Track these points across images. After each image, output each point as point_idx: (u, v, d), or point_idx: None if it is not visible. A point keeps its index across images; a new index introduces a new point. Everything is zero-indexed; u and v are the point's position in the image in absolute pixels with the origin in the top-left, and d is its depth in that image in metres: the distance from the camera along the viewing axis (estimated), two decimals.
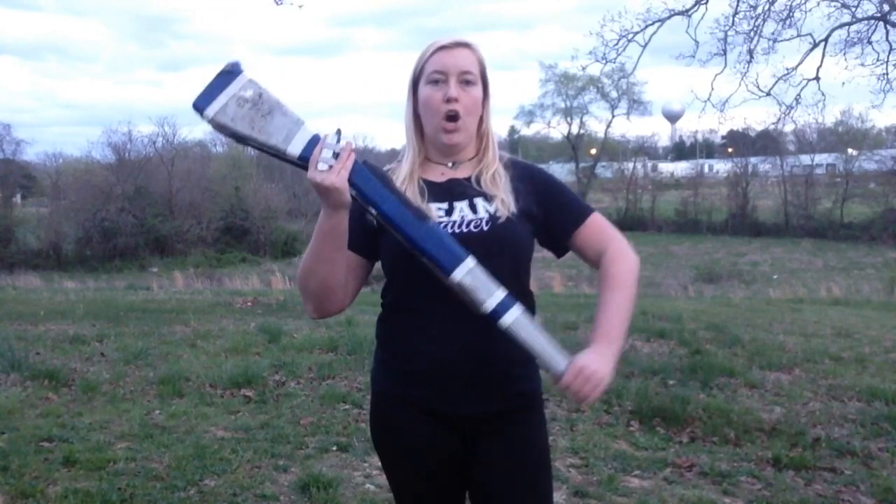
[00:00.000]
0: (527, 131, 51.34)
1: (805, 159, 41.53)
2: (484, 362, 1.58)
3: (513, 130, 53.81)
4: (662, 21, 10.27)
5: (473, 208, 1.61)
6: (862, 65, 10.00)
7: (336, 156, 1.43)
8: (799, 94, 10.50)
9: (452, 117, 1.60)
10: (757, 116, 39.70)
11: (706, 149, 67.06)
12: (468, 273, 1.46)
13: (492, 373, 1.59)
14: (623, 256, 1.65)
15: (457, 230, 1.58)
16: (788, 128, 28.26)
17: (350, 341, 6.34)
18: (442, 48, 1.62)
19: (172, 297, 11.46)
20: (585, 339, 1.59)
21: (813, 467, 3.73)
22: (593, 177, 48.11)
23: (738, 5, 9.82)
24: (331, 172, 1.42)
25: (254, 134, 1.46)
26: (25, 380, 5.08)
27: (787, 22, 9.86)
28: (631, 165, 46.60)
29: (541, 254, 1.77)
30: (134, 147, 38.22)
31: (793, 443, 4.08)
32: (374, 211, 1.48)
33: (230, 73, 1.47)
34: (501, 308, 1.47)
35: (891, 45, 9.73)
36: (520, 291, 1.65)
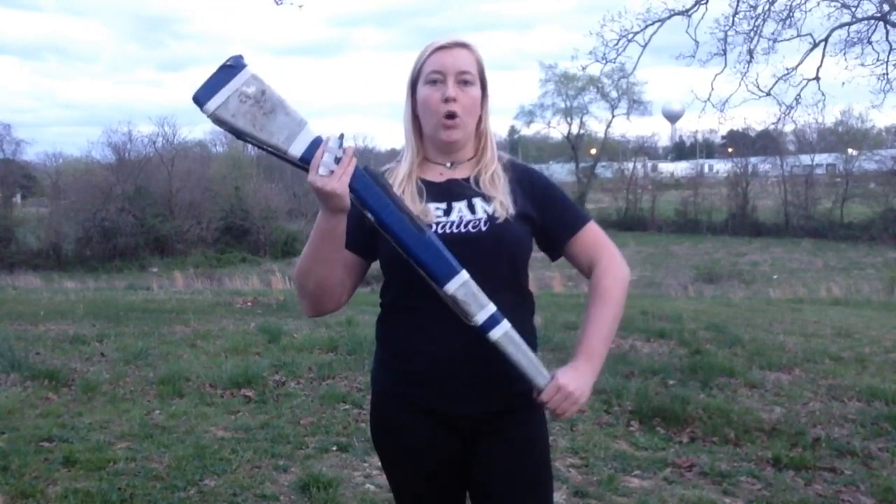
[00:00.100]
0: (527, 131, 51.36)
1: (805, 159, 41.53)
2: (483, 362, 1.58)
3: (513, 130, 53.86)
4: (662, 21, 10.27)
5: (472, 209, 1.61)
6: (862, 65, 10.00)
7: (338, 161, 1.42)
8: (799, 94, 10.50)
9: (451, 116, 1.60)
10: (757, 116, 39.81)
11: (706, 149, 67.07)
12: (462, 286, 1.48)
13: (491, 373, 1.60)
14: (614, 270, 1.66)
15: (455, 230, 1.58)
16: (788, 128, 28.27)
17: (350, 341, 6.35)
18: (440, 48, 1.62)
19: (172, 297, 11.46)
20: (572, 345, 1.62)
21: (813, 467, 3.73)
22: (593, 177, 48.08)
23: (738, 5, 9.82)
24: (332, 178, 1.41)
25: (255, 132, 1.44)
26: (25, 380, 5.08)
27: (787, 22, 9.87)
28: (631, 165, 46.60)
29: (541, 253, 1.77)
30: (134, 147, 38.26)
31: (793, 443, 4.08)
32: (372, 218, 1.48)
33: (233, 68, 1.44)
34: (491, 322, 1.50)
35: (891, 45, 9.73)
36: (518, 292, 1.65)
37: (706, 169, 52.82)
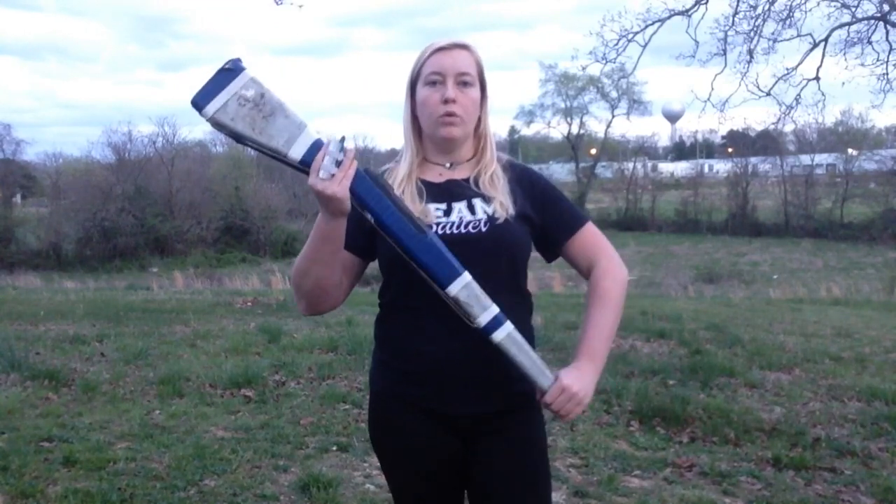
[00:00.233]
0: (527, 131, 51.36)
1: (805, 159, 41.52)
2: (483, 362, 1.58)
3: (513, 130, 53.87)
4: (662, 21, 10.27)
5: (472, 209, 1.62)
6: (862, 65, 10.00)
7: (338, 164, 1.41)
8: (799, 94, 10.51)
9: (450, 116, 1.60)
10: (757, 116, 39.79)
11: (706, 149, 67.07)
12: (464, 288, 1.48)
13: (491, 373, 1.60)
14: (613, 271, 1.67)
15: (455, 231, 1.58)
16: (788, 128, 28.25)
17: (350, 341, 6.35)
18: (439, 49, 1.62)
19: (172, 297, 11.46)
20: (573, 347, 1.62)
21: (813, 467, 3.73)
22: (593, 177, 48.08)
23: (738, 5, 9.83)
24: (332, 181, 1.41)
25: (254, 135, 1.43)
26: (25, 380, 5.09)
27: (787, 22, 9.87)
28: (631, 165, 46.59)
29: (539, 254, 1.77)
30: (134, 147, 38.23)
31: (793, 443, 4.08)
32: (373, 220, 1.48)
33: (231, 71, 1.43)
34: (494, 323, 1.49)
35: (891, 45, 9.73)
36: (517, 292, 1.66)
37: (706, 169, 52.82)
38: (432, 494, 1.70)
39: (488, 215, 1.60)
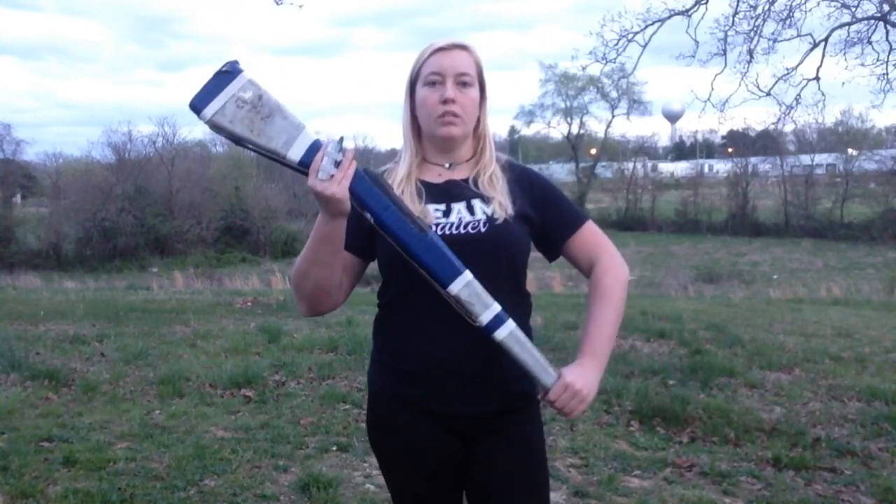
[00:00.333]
0: (527, 131, 51.36)
1: (805, 159, 41.50)
2: (483, 362, 1.58)
3: (513, 130, 53.89)
4: (662, 21, 10.27)
5: (471, 210, 1.62)
6: (862, 65, 10.00)
7: (337, 164, 1.41)
8: (799, 94, 10.50)
9: (449, 116, 1.60)
10: (757, 116, 39.81)
11: (706, 149, 67.07)
12: (465, 286, 1.47)
13: (491, 373, 1.60)
14: (614, 269, 1.67)
15: (454, 231, 1.58)
16: (788, 128, 28.27)
17: (350, 341, 6.35)
18: (439, 50, 1.62)
19: (172, 297, 11.46)
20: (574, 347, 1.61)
21: (813, 467, 3.73)
22: (593, 177, 48.08)
23: (738, 5, 9.82)
24: (332, 182, 1.41)
25: (252, 137, 1.43)
26: (25, 380, 5.09)
27: (787, 22, 9.86)
28: (631, 165, 46.57)
29: (540, 253, 1.77)
30: (134, 147, 38.21)
31: (793, 443, 4.08)
32: (373, 220, 1.47)
33: (229, 73, 1.43)
34: (496, 322, 1.49)
35: (891, 45, 9.73)
36: (516, 292, 1.66)
37: (706, 169, 52.81)
38: (432, 494, 1.70)
39: (487, 216, 1.60)
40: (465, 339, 1.55)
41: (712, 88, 10.77)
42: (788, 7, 9.72)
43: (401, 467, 1.70)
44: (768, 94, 10.53)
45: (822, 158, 43.05)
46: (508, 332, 1.50)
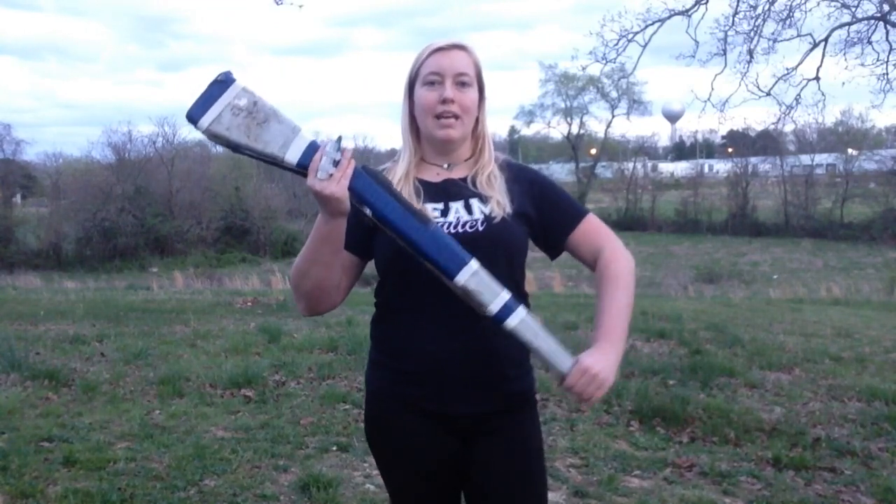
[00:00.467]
0: (527, 131, 51.36)
1: (805, 159, 41.52)
2: (482, 362, 1.58)
3: (513, 130, 53.93)
4: (662, 21, 10.26)
5: (469, 209, 1.61)
6: (862, 65, 9.99)
7: (336, 164, 1.41)
8: (799, 94, 10.49)
9: (448, 117, 1.61)
10: (757, 116, 39.69)
11: (706, 149, 67.06)
12: (473, 276, 1.46)
13: (490, 372, 1.60)
14: (620, 256, 1.66)
15: (452, 231, 1.58)
16: (788, 128, 28.29)
17: (350, 341, 6.35)
18: (438, 50, 1.62)
19: (172, 297, 11.46)
20: (587, 339, 1.59)
21: (813, 467, 3.73)
22: (593, 177, 48.08)
23: (738, 5, 9.81)
24: (331, 181, 1.41)
25: (250, 143, 1.45)
26: (25, 380, 5.09)
27: (787, 22, 9.86)
28: (631, 165, 46.58)
29: (540, 253, 1.77)
30: (134, 147, 38.19)
31: (793, 443, 4.08)
32: (375, 216, 1.47)
33: (223, 83, 1.45)
34: (506, 310, 1.47)
35: (891, 45, 9.72)
36: (515, 292, 1.65)
37: (706, 169, 52.80)
38: (431, 494, 1.70)
39: (485, 215, 1.60)
40: (464, 338, 1.55)
41: (712, 88, 10.77)
42: (788, 7, 9.73)
43: (400, 467, 1.70)
44: (768, 94, 10.53)
45: (822, 158, 43.06)
46: (520, 319, 1.47)
